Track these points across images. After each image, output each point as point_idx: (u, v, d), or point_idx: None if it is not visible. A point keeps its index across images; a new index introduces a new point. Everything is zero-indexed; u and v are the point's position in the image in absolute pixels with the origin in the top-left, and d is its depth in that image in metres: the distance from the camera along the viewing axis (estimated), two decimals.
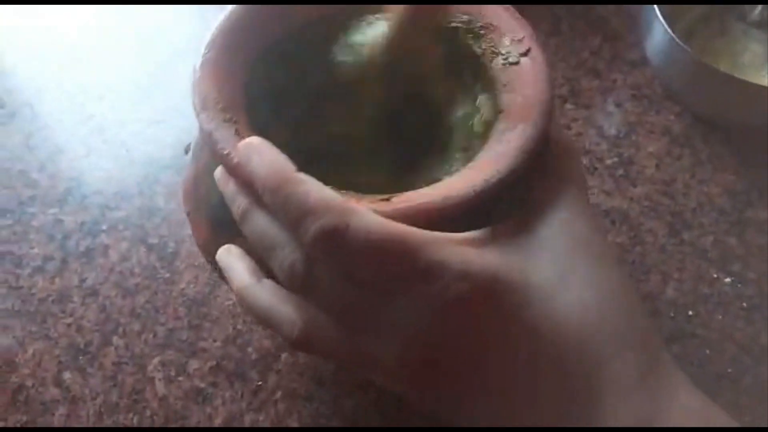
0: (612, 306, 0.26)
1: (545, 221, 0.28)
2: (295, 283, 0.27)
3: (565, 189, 0.29)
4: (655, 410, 0.25)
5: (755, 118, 0.49)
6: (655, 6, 0.48)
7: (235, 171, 0.28)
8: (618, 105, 0.53)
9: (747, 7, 0.53)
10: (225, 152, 0.28)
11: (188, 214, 0.35)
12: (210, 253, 0.33)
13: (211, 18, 0.33)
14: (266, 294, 0.28)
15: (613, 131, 0.52)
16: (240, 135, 0.28)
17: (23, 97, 0.56)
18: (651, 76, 0.54)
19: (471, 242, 0.26)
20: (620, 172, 0.50)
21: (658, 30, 0.49)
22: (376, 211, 0.26)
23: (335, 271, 0.26)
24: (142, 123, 0.54)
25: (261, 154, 0.27)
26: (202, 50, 0.31)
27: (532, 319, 0.26)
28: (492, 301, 0.25)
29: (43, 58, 0.58)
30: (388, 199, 0.27)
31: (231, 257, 0.30)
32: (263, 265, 0.29)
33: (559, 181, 0.29)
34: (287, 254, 0.26)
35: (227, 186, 0.29)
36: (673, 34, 0.47)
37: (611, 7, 0.58)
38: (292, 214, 0.25)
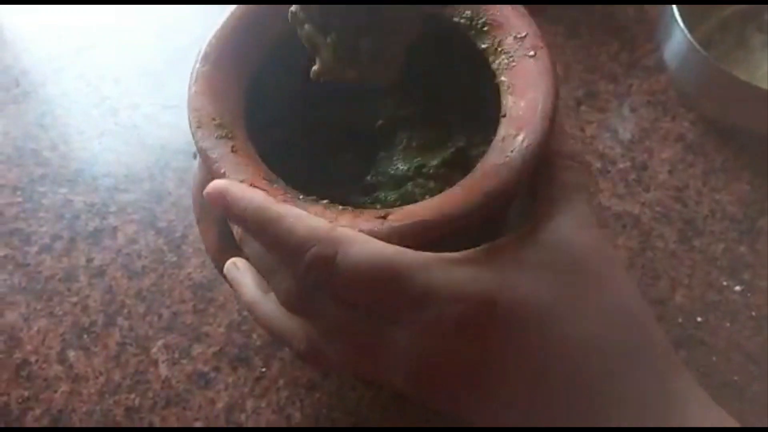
0: (619, 323, 0.26)
1: (548, 236, 0.27)
2: (293, 308, 0.28)
3: (569, 201, 0.28)
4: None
5: None
6: (675, 10, 0.48)
7: None
8: (633, 110, 0.53)
9: (766, 17, 0.53)
10: (221, 171, 0.28)
11: (198, 222, 0.35)
12: (218, 261, 0.33)
13: (230, 8, 0.33)
14: (274, 308, 0.29)
15: (627, 136, 0.51)
16: (236, 152, 0.28)
17: (39, 77, 0.56)
18: (667, 83, 0.54)
19: (467, 261, 0.26)
20: (633, 176, 0.49)
21: (676, 34, 0.48)
22: (371, 232, 0.25)
23: (332, 297, 0.26)
24: (156, 107, 0.54)
25: (237, 198, 0.27)
26: (197, 64, 0.31)
27: (534, 338, 0.25)
28: (492, 321, 0.25)
29: (60, 40, 0.58)
30: (384, 216, 0.26)
31: (238, 272, 0.31)
32: None
33: (563, 192, 0.28)
34: (282, 280, 0.27)
35: None
36: (691, 39, 0.47)
37: (631, 15, 0.58)
38: (282, 252, 0.26)
